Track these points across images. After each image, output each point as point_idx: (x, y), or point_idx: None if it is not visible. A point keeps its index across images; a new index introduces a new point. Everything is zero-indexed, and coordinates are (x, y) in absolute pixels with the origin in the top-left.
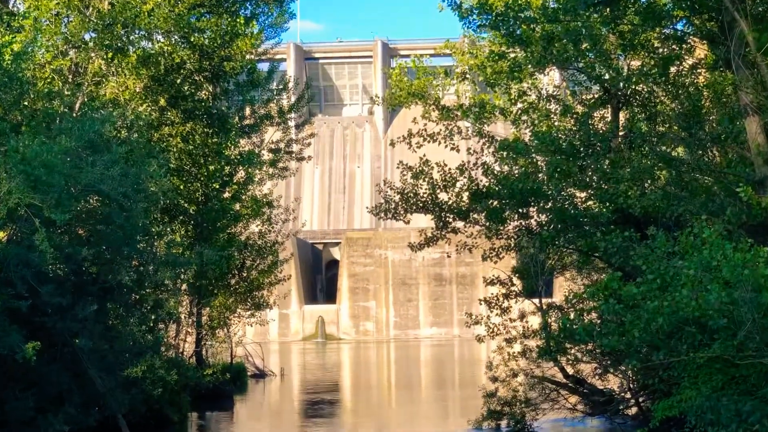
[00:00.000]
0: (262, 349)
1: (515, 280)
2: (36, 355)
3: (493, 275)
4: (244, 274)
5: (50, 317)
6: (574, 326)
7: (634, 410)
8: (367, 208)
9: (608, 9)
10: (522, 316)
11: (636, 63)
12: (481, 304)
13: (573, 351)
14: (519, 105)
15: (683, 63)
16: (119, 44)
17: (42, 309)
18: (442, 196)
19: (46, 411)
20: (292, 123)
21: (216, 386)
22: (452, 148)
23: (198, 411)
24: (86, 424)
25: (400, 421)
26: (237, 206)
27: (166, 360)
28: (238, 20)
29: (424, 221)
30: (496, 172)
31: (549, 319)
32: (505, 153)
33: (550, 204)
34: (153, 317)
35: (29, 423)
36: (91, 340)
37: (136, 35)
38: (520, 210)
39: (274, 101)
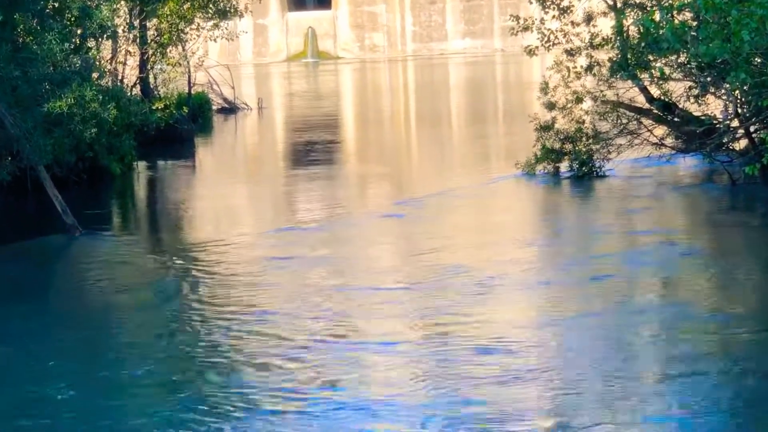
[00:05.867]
0: (232, 74)
1: None
2: None
3: None
4: None
5: None
6: (660, 30)
7: (742, 143)
8: None
9: None
10: (589, 18)
11: None
12: (531, 2)
13: (659, 65)
14: None
15: None
16: None
17: None
18: None
19: None
20: None
21: (170, 125)
22: None
23: (147, 160)
24: None
25: (423, 168)
26: None
27: (100, 90)
28: None
29: None
30: None
31: (626, 21)
32: None
33: None
34: (79, 32)
35: None
36: None
37: None
38: None
39: None
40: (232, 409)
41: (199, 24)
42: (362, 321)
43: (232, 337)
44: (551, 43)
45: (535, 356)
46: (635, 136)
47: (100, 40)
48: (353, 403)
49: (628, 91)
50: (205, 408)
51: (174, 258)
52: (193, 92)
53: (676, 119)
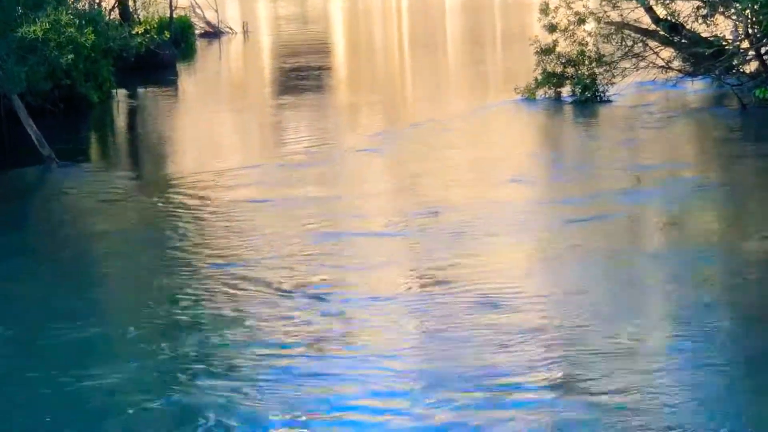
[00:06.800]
0: None
1: None
2: None
3: None
4: None
5: None
6: None
7: (753, 65)
8: None
9: None
10: None
11: None
12: None
13: None
14: None
15: None
16: None
17: None
18: None
19: None
20: None
21: (151, 51)
22: None
23: (126, 87)
24: None
25: (418, 95)
26: None
27: (76, 14)
28: None
29: None
30: None
31: None
32: None
33: None
34: None
35: None
36: None
37: None
38: None
39: None
40: (207, 370)
41: None
42: (350, 271)
43: (210, 288)
44: None
45: (536, 308)
46: (640, 58)
47: None
48: (342, 364)
49: (633, 11)
50: (176, 370)
51: (153, 194)
52: (174, 16)
53: (683, 41)
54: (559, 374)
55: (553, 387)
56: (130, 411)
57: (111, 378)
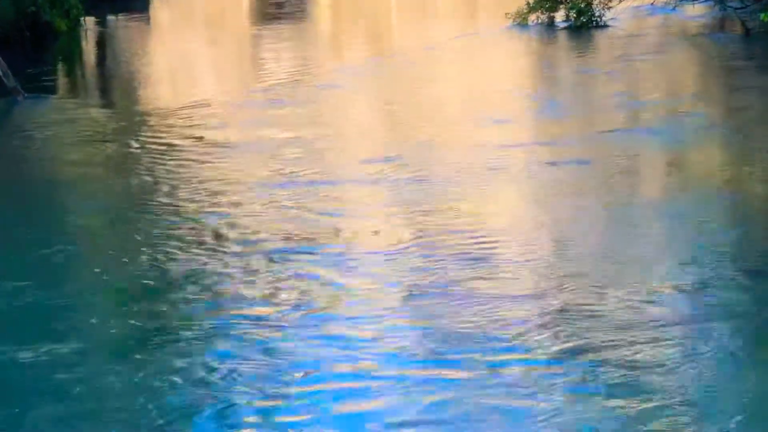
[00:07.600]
0: None
1: None
2: None
3: None
4: None
5: None
6: None
7: None
8: None
9: None
10: None
11: None
12: None
13: None
14: None
15: None
16: None
17: None
18: None
19: None
20: None
21: None
22: None
23: (95, 14)
24: None
25: (403, 21)
26: None
27: None
28: None
29: None
30: None
31: None
32: None
33: None
34: None
35: None
36: None
37: None
38: None
39: None
40: (167, 340)
41: None
42: (327, 223)
43: (179, 243)
44: None
45: (529, 262)
46: None
47: None
48: (325, 328)
49: None
50: (130, 341)
51: (124, 131)
52: None
53: None
54: (557, 339)
55: (550, 353)
56: (74, 390)
57: (53, 350)
